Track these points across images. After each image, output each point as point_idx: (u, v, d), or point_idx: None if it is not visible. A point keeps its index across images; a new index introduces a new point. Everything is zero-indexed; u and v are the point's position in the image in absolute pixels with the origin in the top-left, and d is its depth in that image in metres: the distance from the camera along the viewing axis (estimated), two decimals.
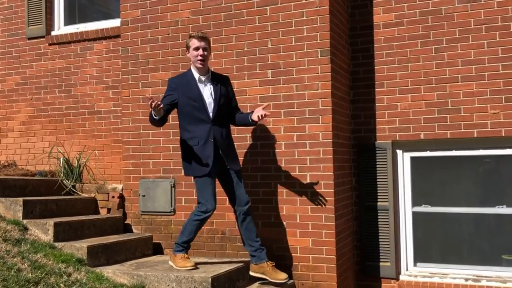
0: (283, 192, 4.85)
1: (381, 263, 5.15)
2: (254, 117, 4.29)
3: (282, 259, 4.77)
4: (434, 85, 5.02)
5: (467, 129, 4.89)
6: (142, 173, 5.36)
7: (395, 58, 5.17)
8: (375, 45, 5.26)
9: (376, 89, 5.24)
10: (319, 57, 4.75)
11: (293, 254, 4.76)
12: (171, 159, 5.22)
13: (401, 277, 5.15)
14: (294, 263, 4.75)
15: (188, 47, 4.35)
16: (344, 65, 5.20)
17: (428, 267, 5.17)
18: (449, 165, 5.21)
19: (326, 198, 4.68)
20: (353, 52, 5.38)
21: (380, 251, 5.17)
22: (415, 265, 5.22)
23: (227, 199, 4.51)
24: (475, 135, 4.86)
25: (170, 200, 5.20)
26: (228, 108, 4.45)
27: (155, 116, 4.21)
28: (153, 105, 4.04)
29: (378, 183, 5.22)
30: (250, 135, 4.97)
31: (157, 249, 5.22)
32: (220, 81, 4.43)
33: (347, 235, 5.08)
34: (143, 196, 5.31)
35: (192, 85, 4.32)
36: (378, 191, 5.20)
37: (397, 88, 5.17)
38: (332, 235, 4.66)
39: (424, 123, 5.05)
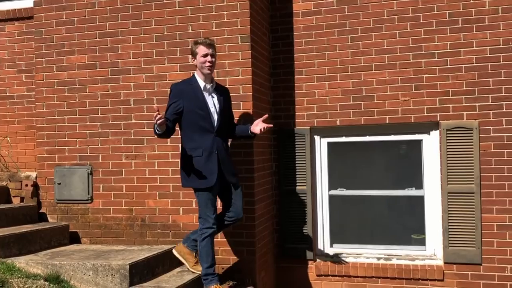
0: None
1: (299, 245, 5.30)
2: (255, 129, 4.17)
3: None
4: (349, 73, 5.21)
5: (380, 115, 5.11)
6: (58, 160, 5.17)
7: (314, 46, 5.30)
8: (294, 33, 5.36)
9: (295, 77, 5.35)
10: (240, 43, 4.78)
11: (214, 239, 4.78)
12: (88, 146, 5.08)
13: (318, 258, 5.34)
14: (215, 247, 4.77)
15: (194, 54, 4.14)
16: (265, 52, 5.26)
17: (344, 248, 5.39)
18: (364, 150, 5.43)
19: (247, 183, 4.74)
20: (274, 39, 5.45)
21: (299, 234, 5.32)
22: (331, 246, 5.43)
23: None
24: (387, 121, 5.10)
25: (87, 187, 5.06)
26: (228, 120, 4.32)
27: (158, 130, 3.92)
28: (157, 121, 3.77)
29: (297, 168, 5.36)
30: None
31: (75, 238, 5.07)
32: (222, 92, 4.28)
33: (267, 219, 5.18)
34: (59, 184, 5.13)
35: (198, 93, 4.12)
36: (297, 176, 5.34)
37: (315, 75, 5.30)
38: (252, 219, 4.74)
39: (340, 110, 5.23)
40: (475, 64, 4.87)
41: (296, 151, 5.36)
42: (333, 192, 5.44)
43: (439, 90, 4.96)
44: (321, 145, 5.42)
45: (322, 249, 5.41)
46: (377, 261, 5.18)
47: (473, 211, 4.85)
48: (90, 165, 5.08)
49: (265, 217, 5.10)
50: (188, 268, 4.39)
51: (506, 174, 4.79)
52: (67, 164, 5.14)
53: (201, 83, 4.16)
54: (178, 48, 4.91)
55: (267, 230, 5.15)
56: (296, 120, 5.36)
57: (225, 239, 4.76)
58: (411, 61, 5.04)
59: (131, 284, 4.03)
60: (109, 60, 5.10)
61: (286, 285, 5.34)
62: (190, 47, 4.24)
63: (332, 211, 5.45)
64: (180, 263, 4.69)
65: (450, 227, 4.91)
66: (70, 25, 5.17)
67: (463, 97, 4.90)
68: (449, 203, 4.92)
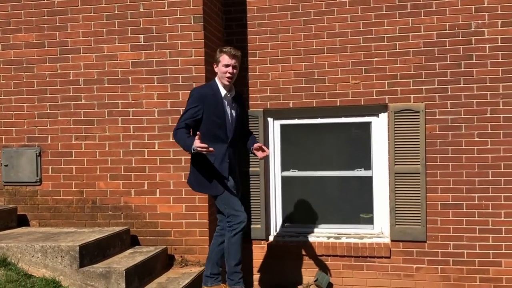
0: (156, 160, 4.83)
1: (252, 226, 5.37)
2: (257, 154, 4.06)
3: (155, 226, 4.80)
4: (302, 55, 5.26)
5: (331, 98, 5.21)
6: (4, 141, 5.03)
7: (267, 28, 5.32)
8: (248, 15, 5.36)
9: (249, 58, 5.36)
10: (192, 23, 4.75)
11: (166, 221, 4.80)
12: (36, 127, 4.95)
13: (271, 238, 5.43)
14: (167, 229, 4.79)
15: (217, 61, 4.00)
16: (218, 33, 5.24)
17: (295, 228, 5.50)
18: (315, 132, 5.53)
19: None
20: (227, 20, 5.43)
21: (252, 215, 5.38)
22: (283, 226, 5.53)
23: None
24: (338, 104, 5.20)
25: (36, 169, 4.94)
26: (241, 126, 4.21)
27: (193, 151, 3.70)
28: (201, 150, 3.62)
29: None
30: (121, 101, 4.85)
31: (23, 221, 4.96)
32: (238, 100, 4.16)
33: None
34: (6, 166, 4.99)
35: (219, 101, 3.98)
36: (250, 158, 5.38)
37: (268, 58, 5.33)
38: (205, 200, 4.76)
39: (293, 92, 5.29)
40: (422, 48, 5.02)
41: None
42: (286, 173, 5.52)
43: (388, 73, 5.09)
44: (274, 127, 5.48)
45: (274, 229, 5.50)
46: (327, 239, 5.31)
47: (419, 190, 5.03)
48: (39, 146, 4.96)
49: None
50: None
51: (450, 155, 4.98)
52: (15, 145, 5.00)
53: (223, 91, 4.01)
54: (129, 28, 4.84)
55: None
56: (250, 102, 5.39)
57: (178, 221, 4.77)
58: (362, 44, 5.14)
59: (81, 265, 4.00)
60: (58, 39, 4.97)
61: None
62: (215, 53, 4.06)
63: (285, 192, 5.54)
64: (133, 244, 4.70)
65: (397, 206, 5.09)
66: (16, 2, 5.00)
67: (411, 80, 5.05)
68: (396, 183, 5.09)
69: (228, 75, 3.94)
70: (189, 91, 4.47)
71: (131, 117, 4.86)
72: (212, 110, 3.93)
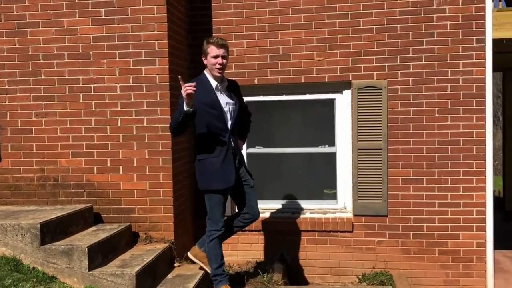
0: (119, 137, 4.76)
1: None
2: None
3: (119, 203, 4.75)
4: (267, 32, 5.24)
5: (296, 75, 5.21)
6: None
7: (231, 3, 5.27)
8: None
9: (213, 34, 5.30)
10: None
11: (130, 198, 4.75)
12: None
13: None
14: (131, 206, 4.75)
15: (205, 53, 3.94)
16: (182, 8, 5.16)
17: (261, 204, 5.47)
18: (280, 109, 5.55)
19: (164, 141, 4.71)
20: None
21: None
22: None
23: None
24: (303, 81, 5.22)
25: None
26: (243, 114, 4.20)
27: (186, 109, 3.64)
28: (185, 91, 3.55)
29: None
30: (82, 77, 4.75)
31: None
32: (233, 88, 4.12)
33: (186, 177, 5.20)
34: None
35: (210, 92, 3.94)
36: None
37: (233, 33, 5.29)
38: (169, 177, 4.73)
39: (258, 69, 5.27)
40: (385, 26, 5.06)
41: None
42: (251, 150, 5.53)
43: (351, 50, 5.12)
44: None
45: None
46: (292, 214, 5.38)
47: (381, 166, 5.13)
48: None
49: (183, 175, 5.11)
50: (207, 270, 4.25)
51: (411, 131, 5.08)
52: None
53: (213, 83, 3.97)
54: (90, 1, 4.71)
55: (185, 188, 5.18)
56: None
57: (142, 198, 4.74)
58: (326, 21, 5.15)
59: (42, 243, 3.94)
60: (15, 12, 4.80)
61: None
62: (202, 45, 4.00)
63: (250, 169, 5.53)
64: (96, 221, 4.66)
65: (359, 181, 5.18)
66: None
67: (374, 57, 5.10)
68: (359, 159, 5.17)
69: (218, 66, 3.90)
70: (151, 66, 4.44)
71: (92, 93, 4.76)
72: (205, 101, 3.87)
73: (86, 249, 3.90)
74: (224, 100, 3.99)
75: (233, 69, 5.31)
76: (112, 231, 4.37)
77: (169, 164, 4.73)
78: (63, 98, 4.77)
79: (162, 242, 4.67)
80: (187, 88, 3.58)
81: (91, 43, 4.73)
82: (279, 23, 5.22)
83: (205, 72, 4.03)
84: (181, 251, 4.84)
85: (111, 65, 4.73)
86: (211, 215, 4.02)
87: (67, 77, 4.77)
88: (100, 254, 4.08)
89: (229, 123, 3.99)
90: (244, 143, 4.36)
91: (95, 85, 4.75)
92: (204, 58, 3.98)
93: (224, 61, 3.93)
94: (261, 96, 5.46)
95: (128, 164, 4.76)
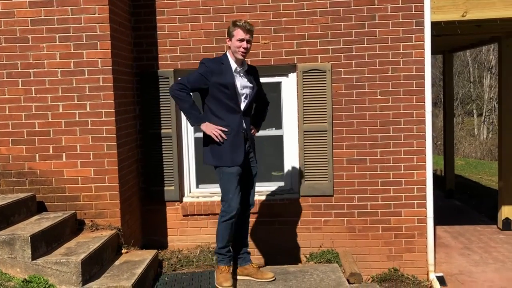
0: (61, 123, 4.64)
1: (165, 188, 5.36)
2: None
3: (63, 191, 4.65)
4: (212, 14, 5.20)
5: None
6: None
7: None
8: None
9: (157, 17, 5.23)
10: None
11: (74, 185, 4.66)
12: None
13: (185, 199, 5.46)
14: (75, 193, 4.66)
15: (230, 35, 3.97)
16: None
17: (209, 188, 5.55)
18: None
19: (108, 127, 4.63)
20: None
21: (165, 177, 5.36)
22: (197, 187, 5.57)
23: None
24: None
25: None
26: (256, 100, 4.22)
27: (191, 123, 4.09)
28: (214, 134, 3.93)
29: (161, 111, 5.33)
30: (21, 62, 4.58)
31: None
32: (252, 73, 4.16)
33: (131, 163, 5.14)
34: None
35: (228, 73, 3.98)
36: (162, 119, 5.33)
37: (177, 16, 5.23)
38: (115, 163, 4.67)
39: (203, 52, 5.23)
40: (329, 9, 5.13)
41: (160, 94, 5.32)
42: (199, 134, 5.50)
43: (296, 33, 5.17)
44: None
45: (188, 190, 5.52)
46: None
47: (326, 147, 5.23)
48: None
49: (129, 160, 5.05)
50: (256, 280, 4.23)
51: (354, 113, 5.21)
52: None
53: (233, 65, 4.01)
54: None
55: (131, 174, 5.12)
56: (159, 62, 5.29)
57: (87, 185, 4.65)
58: (271, 4, 5.16)
59: None
60: None
61: (153, 227, 5.40)
62: (228, 27, 4.03)
63: (198, 153, 5.54)
64: (40, 210, 4.55)
65: (306, 163, 5.27)
66: None
67: (318, 40, 5.16)
68: (305, 141, 5.25)
69: (242, 50, 3.94)
70: (92, 50, 4.37)
71: (32, 78, 4.61)
72: (220, 81, 3.94)
73: (29, 238, 3.80)
74: (242, 83, 4.04)
75: (178, 52, 5.26)
76: (56, 219, 4.28)
77: (114, 150, 4.66)
78: (1, 84, 4.60)
79: (108, 229, 4.61)
80: (216, 135, 3.92)
81: (29, 27, 4.57)
82: (224, 6, 5.19)
83: (227, 53, 4.07)
84: (129, 238, 4.80)
85: (51, 49, 4.59)
86: (223, 195, 4.05)
87: (4, 62, 4.60)
88: (44, 243, 3.99)
89: (243, 104, 4.05)
90: (258, 131, 4.36)
91: (35, 70, 4.60)
92: (228, 39, 4.02)
93: (249, 45, 3.98)
94: None
95: (71, 150, 4.65)
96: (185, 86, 3.98)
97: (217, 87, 3.96)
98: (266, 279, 4.22)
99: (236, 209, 3.98)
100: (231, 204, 3.97)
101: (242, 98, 4.04)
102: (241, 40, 3.93)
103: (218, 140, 3.94)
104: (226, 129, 3.94)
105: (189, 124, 5.44)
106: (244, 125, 4.04)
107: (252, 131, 4.22)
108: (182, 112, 4.50)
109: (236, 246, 4.23)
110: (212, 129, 3.94)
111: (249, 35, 3.96)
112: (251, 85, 4.09)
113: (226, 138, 3.94)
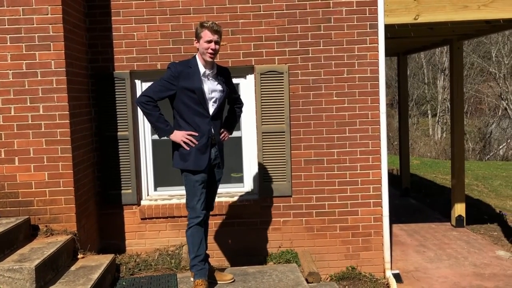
0: (13, 126, 4.51)
1: (122, 191, 5.29)
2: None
3: (16, 196, 4.52)
4: (168, 16, 5.17)
5: None
6: None
7: None
8: None
9: (112, 18, 5.16)
10: None
11: (27, 190, 4.53)
12: None
13: (142, 202, 5.39)
14: (29, 198, 4.54)
15: (198, 37, 3.90)
16: None
17: (167, 191, 5.51)
18: None
19: (62, 130, 4.53)
20: None
21: (122, 180, 5.29)
22: (155, 189, 5.51)
23: None
24: None
25: None
26: (229, 102, 4.22)
27: (158, 134, 4.04)
28: (183, 141, 3.91)
29: (117, 113, 5.26)
30: None
31: None
32: (222, 75, 4.08)
33: (87, 166, 5.04)
34: None
35: (196, 77, 3.91)
36: (118, 121, 5.25)
37: (133, 17, 5.17)
38: (70, 167, 4.57)
39: (160, 54, 5.21)
40: (285, 11, 5.18)
41: (117, 96, 5.24)
42: (156, 136, 5.45)
43: (253, 35, 5.20)
44: (142, 89, 5.36)
45: (146, 193, 5.46)
46: None
47: (284, 148, 5.28)
48: None
49: (84, 164, 4.95)
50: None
51: (311, 114, 5.27)
52: None
53: (202, 69, 3.94)
54: None
55: (87, 177, 5.02)
56: (115, 64, 5.21)
57: (41, 189, 4.54)
58: (228, 6, 5.18)
59: None
60: None
61: (111, 231, 5.32)
62: (195, 28, 3.94)
63: (156, 156, 5.50)
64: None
65: (264, 164, 5.30)
66: None
67: (275, 42, 5.21)
68: (263, 143, 5.28)
69: (210, 51, 3.88)
70: (45, 51, 4.26)
71: None
72: (188, 86, 3.88)
73: None
74: (210, 87, 3.97)
75: (135, 54, 5.21)
76: (9, 225, 4.16)
77: (69, 153, 4.56)
78: None
79: (64, 234, 4.51)
80: (186, 141, 3.89)
81: None
82: (181, 7, 5.17)
83: (196, 56, 4.00)
84: (85, 242, 4.71)
85: (1, 51, 4.46)
86: (189, 201, 4.00)
87: None
88: None
89: (212, 109, 3.98)
90: (230, 134, 4.33)
91: None
92: (196, 41, 3.96)
93: (217, 46, 3.93)
94: None
95: (24, 154, 4.53)
96: (151, 98, 3.91)
97: (184, 92, 3.91)
98: (225, 281, 4.22)
99: (203, 214, 3.97)
100: (196, 210, 3.96)
101: (211, 102, 3.98)
102: (209, 42, 3.89)
103: (187, 147, 3.92)
104: (196, 134, 3.92)
105: (146, 126, 5.41)
106: (213, 130, 4.00)
107: (224, 134, 4.19)
108: (145, 118, 4.47)
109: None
110: (180, 137, 3.91)
111: (217, 36, 3.92)
112: (221, 88, 4.03)
113: (197, 142, 3.91)
